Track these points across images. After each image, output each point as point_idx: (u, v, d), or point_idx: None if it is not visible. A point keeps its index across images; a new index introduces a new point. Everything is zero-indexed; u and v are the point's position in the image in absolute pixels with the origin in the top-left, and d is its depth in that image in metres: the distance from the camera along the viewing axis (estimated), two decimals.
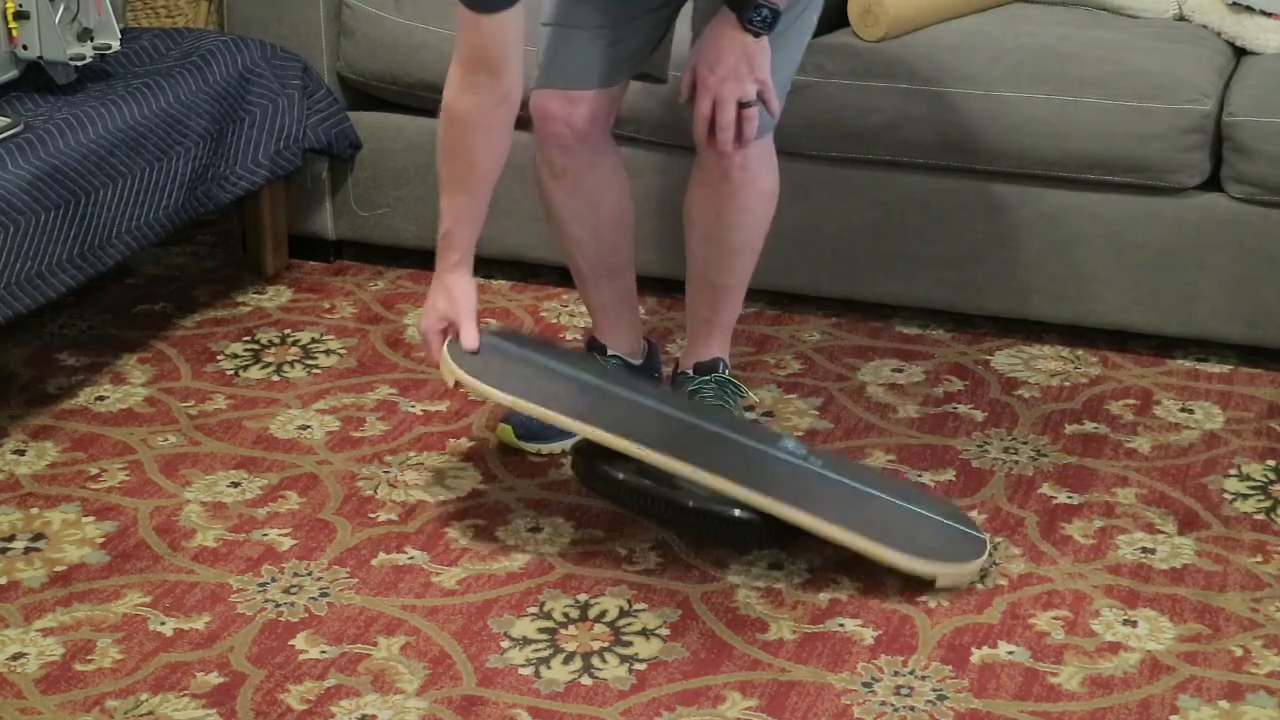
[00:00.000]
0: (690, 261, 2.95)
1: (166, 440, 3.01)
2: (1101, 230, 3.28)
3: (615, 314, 3.03)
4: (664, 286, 3.54)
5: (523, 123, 3.49)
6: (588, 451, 2.69)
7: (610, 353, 3.02)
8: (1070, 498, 2.87)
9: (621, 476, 2.64)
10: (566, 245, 2.98)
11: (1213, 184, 3.24)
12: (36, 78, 3.19)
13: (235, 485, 2.88)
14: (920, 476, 2.92)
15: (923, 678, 2.42)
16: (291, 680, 2.40)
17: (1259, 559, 2.70)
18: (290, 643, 2.48)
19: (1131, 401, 3.18)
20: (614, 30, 2.79)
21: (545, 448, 2.96)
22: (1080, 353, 3.35)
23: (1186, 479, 2.93)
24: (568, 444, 2.94)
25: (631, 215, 3.00)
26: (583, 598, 2.59)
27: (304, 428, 3.06)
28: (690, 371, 2.97)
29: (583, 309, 3.50)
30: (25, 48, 3.14)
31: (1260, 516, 2.82)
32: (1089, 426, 3.09)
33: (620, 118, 3.42)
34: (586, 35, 2.79)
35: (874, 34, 3.33)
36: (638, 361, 3.04)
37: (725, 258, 2.90)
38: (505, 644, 2.48)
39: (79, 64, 3.17)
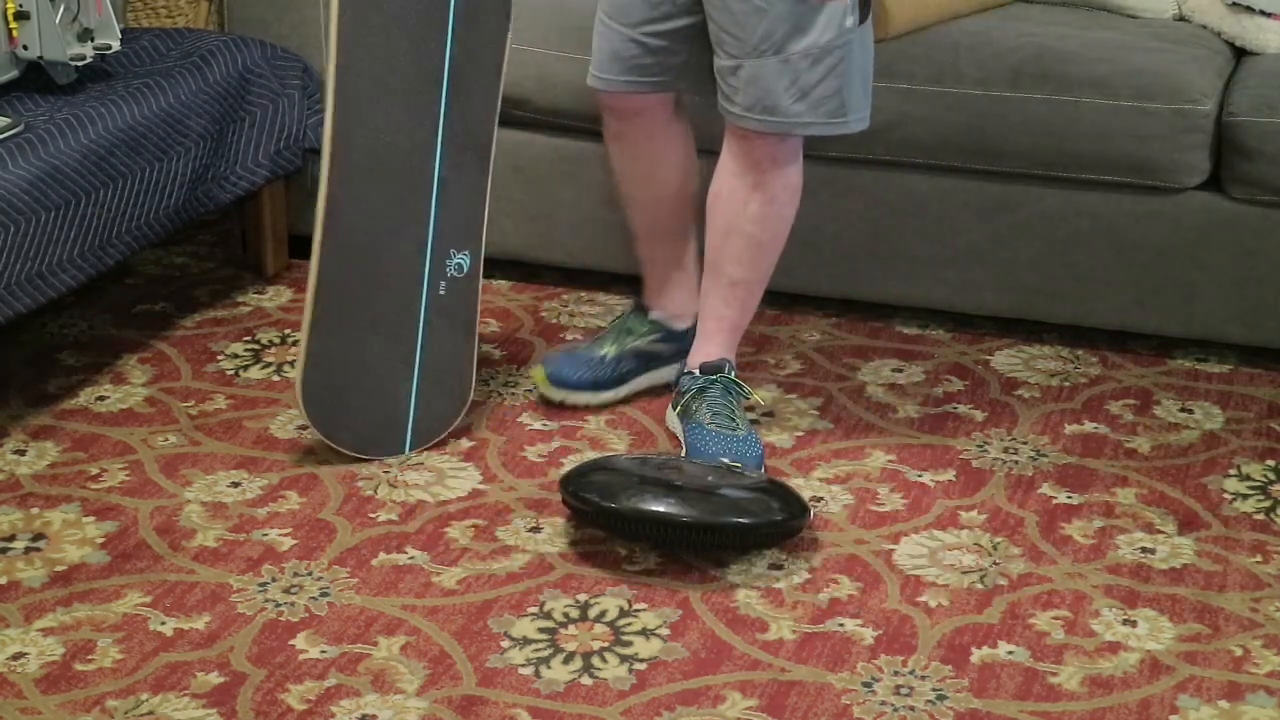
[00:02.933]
0: (711, 257, 2.96)
1: (167, 440, 3.02)
2: (1101, 230, 3.28)
3: (663, 273, 3.10)
4: None
5: (521, 122, 3.49)
6: (567, 480, 2.71)
7: (653, 315, 3.09)
8: (1070, 498, 2.87)
9: (603, 503, 2.65)
10: (624, 201, 3.10)
11: (1213, 184, 3.24)
12: (37, 78, 3.19)
13: (235, 485, 2.88)
14: (920, 476, 2.92)
15: (923, 678, 2.42)
16: (292, 680, 2.40)
17: (1259, 559, 2.70)
18: (290, 643, 2.48)
19: (1131, 401, 3.18)
20: (635, 30, 2.89)
21: (570, 397, 3.07)
22: (1080, 353, 3.35)
23: (1186, 479, 2.93)
24: (593, 399, 3.08)
25: (693, 186, 3.05)
26: (583, 598, 2.59)
27: (304, 427, 3.05)
28: (696, 371, 2.98)
29: (583, 309, 3.51)
30: (25, 48, 3.14)
31: (1260, 516, 2.82)
32: (1089, 426, 3.09)
33: None
34: (613, 30, 2.91)
35: (874, 34, 3.32)
36: (682, 326, 3.11)
37: (748, 251, 2.92)
38: (505, 644, 2.48)
39: (79, 64, 3.17)
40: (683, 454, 2.91)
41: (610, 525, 2.68)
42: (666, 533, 2.63)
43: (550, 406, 3.11)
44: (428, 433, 2.97)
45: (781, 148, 2.84)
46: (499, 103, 2.96)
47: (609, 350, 3.10)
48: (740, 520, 2.64)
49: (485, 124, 2.95)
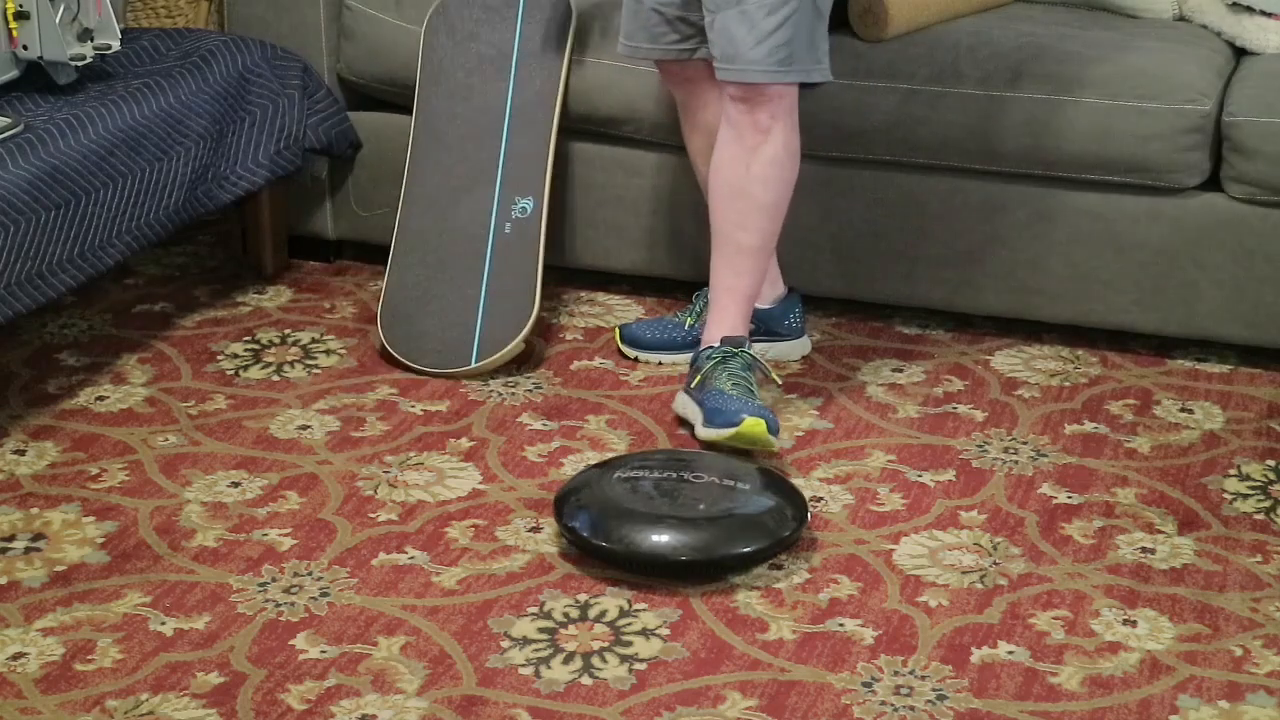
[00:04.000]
0: (717, 227, 3.01)
1: (166, 440, 3.02)
2: (1101, 230, 3.28)
3: None
4: (666, 286, 3.54)
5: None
6: (559, 506, 2.71)
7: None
8: (1070, 498, 2.87)
9: (594, 541, 2.64)
10: (700, 182, 3.17)
11: (1213, 184, 3.24)
12: (37, 78, 3.19)
13: (235, 485, 2.88)
14: (920, 476, 2.92)
15: (923, 678, 2.42)
16: (291, 680, 2.40)
17: (1259, 559, 2.70)
18: (290, 643, 2.48)
19: (1131, 401, 3.18)
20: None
21: (644, 355, 3.27)
22: (1080, 353, 3.35)
23: (1186, 479, 2.93)
24: (665, 358, 3.25)
25: None
26: (583, 598, 2.59)
27: (304, 428, 3.06)
28: (716, 344, 3.00)
29: (583, 309, 3.52)
30: (26, 48, 3.14)
31: (1260, 516, 2.82)
32: (1089, 426, 3.09)
33: (618, 118, 3.44)
34: (636, 1, 3.06)
35: (874, 34, 3.33)
36: (763, 306, 3.21)
37: (753, 215, 2.97)
38: (505, 644, 2.48)
39: (79, 64, 3.17)
40: (698, 424, 2.93)
41: (603, 560, 2.66)
42: (663, 569, 2.62)
43: (551, 413, 3.12)
44: (492, 346, 3.23)
45: (778, 106, 2.90)
46: (563, 75, 3.36)
47: (688, 321, 3.25)
48: (740, 550, 2.62)
49: (549, 93, 3.36)
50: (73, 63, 3.16)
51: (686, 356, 3.16)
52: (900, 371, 3.28)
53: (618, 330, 3.32)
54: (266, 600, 2.57)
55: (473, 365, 3.21)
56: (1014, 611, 2.57)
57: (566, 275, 3.59)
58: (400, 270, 3.34)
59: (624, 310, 3.50)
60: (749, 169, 2.93)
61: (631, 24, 3.07)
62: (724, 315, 3.03)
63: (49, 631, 2.49)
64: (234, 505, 2.82)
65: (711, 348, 3.01)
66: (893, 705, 2.36)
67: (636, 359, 3.27)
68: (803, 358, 3.31)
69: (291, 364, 3.28)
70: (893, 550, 2.71)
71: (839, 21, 3.35)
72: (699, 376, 2.99)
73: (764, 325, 3.25)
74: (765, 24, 2.83)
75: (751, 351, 3.02)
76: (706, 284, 3.47)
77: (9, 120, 3.03)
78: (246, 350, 3.34)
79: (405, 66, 3.50)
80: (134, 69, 3.33)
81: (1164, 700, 2.38)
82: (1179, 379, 3.26)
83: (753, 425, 2.85)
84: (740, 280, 3.02)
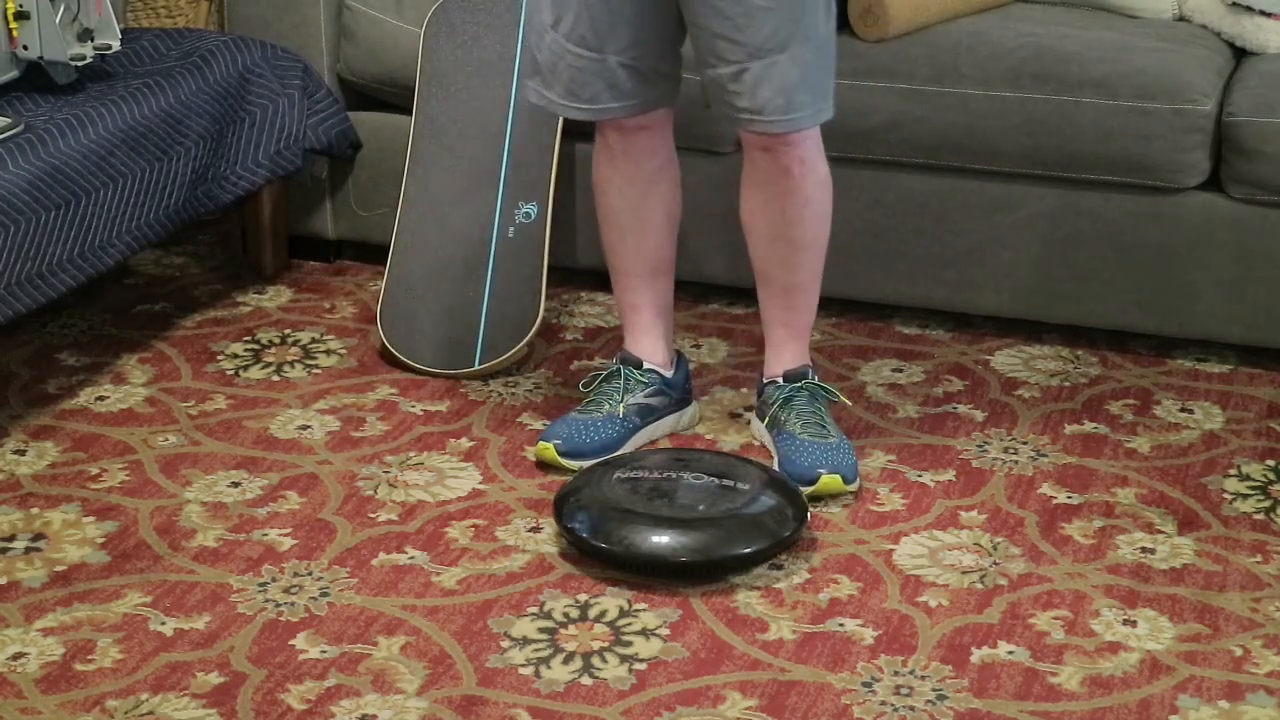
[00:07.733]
0: (760, 268, 2.92)
1: (167, 440, 3.02)
2: (1101, 230, 3.28)
3: (651, 318, 3.01)
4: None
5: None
6: (559, 506, 2.70)
7: (646, 366, 2.99)
8: (1070, 498, 2.87)
9: (594, 543, 2.63)
10: (611, 240, 2.99)
11: (1213, 184, 3.24)
12: (37, 78, 3.19)
13: (235, 485, 2.88)
14: (920, 476, 2.92)
15: (923, 678, 2.42)
16: (292, 680, 2.40)
17: (1259, 559, 2.70)
18: (290, 643, 2.48)
19: (1131, 401, 3.18)
20: (621, 56, 2.78)
21: (585, 464, 2.86)
22: (1080, 353, 3.35)
23: (1186, 479, 2.93)
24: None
25: (679, 214, 3.00)
26: (583, 598, 2.59)
27: (304, 428, 3.06)
28: (780, 380, 2.95)
29: (582, 309, 3.51)
30: (26, 48, 3.14)
31: (1260, 516, 2.82)
32: (1089, 426, 3.09)
33: None
34: (594, 61, 2.78)
35: (874, 34, 3.33)
36: (669, 373, 3.01)
37: (796, 255, 2.88)
38: (505, 644, 2.48)
39: (79, 64, 3.17)
40: (774, 464, 2.88)
41: (603, 561, 2.66)
42: (663, 569, 2.62)
43: (551, 413, 3.12)
44: (496, 349, 3.24)
45: (806, 147, 2.78)
46: None
47: (618, 408, 2.95)
48: (740, 550, 2.61)
49: None
50: (73, 63, 3.16)
51: (621, 453, 2.91)
52: (900, 371, 3.28)
53: (551, 448, 2.90)
54: (266, 600, 2.57)
55: (476, 367, 3.22)
56: (1014, 611, 2.57)
57: (566, 275, 3.59)
58: (401, 270, 3.35)
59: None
60: (784, 213, 2.83)
61: (592, 85, 2.79)
62: (782, 348, 2.96)
63: (49, 631, 2.49)
64: (234, 505, 2.82)
65: (776, 383, 2.95)
66: (893, 705, 2.36)
67: (580, 470, 2.85)
68: None
69: (291, 364, 3.28)
70: (893, 550, 2.71)
71: (839, 22, 3.35)
72: (769, 415, 2.95)
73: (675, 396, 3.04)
74: (814, 64, 2.71)
75: (816, 380, 2.95)
76: (702, 285, 3.48)
77: (9, 120, 3.03)
78: (246, 350, 3.34)
79: (405, 67, 3.50)
80: (134, 69, 3.34)
81: (1164, 700, 2.38)
82: (1179, 379, 3.26)
83: (829, 483, 2.82)
84: (794, 314, 2.93)
